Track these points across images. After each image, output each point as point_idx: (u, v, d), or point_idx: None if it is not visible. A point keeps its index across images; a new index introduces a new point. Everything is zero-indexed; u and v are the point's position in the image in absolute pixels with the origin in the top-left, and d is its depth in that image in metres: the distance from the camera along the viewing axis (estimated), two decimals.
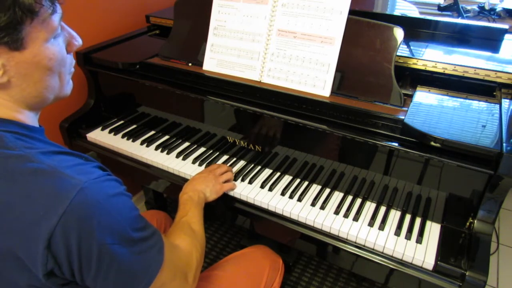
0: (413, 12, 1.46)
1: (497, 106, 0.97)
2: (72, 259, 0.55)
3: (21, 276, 0.57)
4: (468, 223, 0.91)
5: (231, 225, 1.89)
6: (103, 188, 0.58)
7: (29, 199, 0.54)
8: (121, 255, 0.58)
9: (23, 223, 0.54)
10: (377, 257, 0.91)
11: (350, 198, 1.04)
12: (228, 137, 1.18)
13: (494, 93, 1.04)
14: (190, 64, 1.26)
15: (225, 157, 1.21)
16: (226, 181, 1.06)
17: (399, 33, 0.98)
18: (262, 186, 1.08)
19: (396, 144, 0.92)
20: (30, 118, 0.64)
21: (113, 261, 0.58)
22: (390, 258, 0.90)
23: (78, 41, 0.67)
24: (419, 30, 1.30)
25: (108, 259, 0.57)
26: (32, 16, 0.55)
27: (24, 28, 0.55)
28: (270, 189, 1.07)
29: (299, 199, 1.03)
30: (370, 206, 1.02)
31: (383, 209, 1.01)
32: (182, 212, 0.90)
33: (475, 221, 0.88)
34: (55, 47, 0.61)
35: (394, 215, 0.99)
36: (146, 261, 0.62)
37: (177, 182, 1.16)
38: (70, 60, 0.67)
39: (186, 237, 0.80)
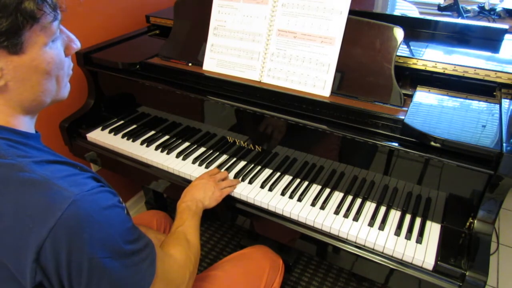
0: (413, 12, 1.46)
1: (497, 106, 0.97)
2: (62, 273, 0.54)
3: (11, 286, 0.56)
4: (468, 223, 0.91)
5: (231, 225, 1.89)
6: (96, 201, 0.57)
7: (19, 210, 0.53)
8: (112, 269, 0.57)
9: (13, 234, 0.53)
10: (377, 257, 0.91)
11: (350, 198, 1.04)
12: (228, 137, 1.18)
13: (494, 93, 1.04)
14: (190, 64, 1.26)
15: (225, 157, 1.21)
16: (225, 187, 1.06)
17: (399, 33, 0.98)
18: (262, 186, 1.08)
19: (396, 144, 0.92)
20: (25, 124, 0.63)
21: (104, 274, 0.56)
22: (390, 258, 0.90)
23: (77, 44, 0.66)
24: (419, 30, 1.30)
25: (99, 273, 0.56)
26: (33, 22, 0.55)
27: (24, 33, 0.54)
28: (270, 189, 1.07)
29: (299, 199, 1.03)
30: (370, 206, 1.02)
31: (383, 209, 1.01)
32: (179, 222, 0.90)
33: (475, 221, 0.88)
34: (53, 51, 0.60)
35: (394, 215, 0.99)
36: (138, 274, 0.61)
37: (177, 182, 1.16)
38: (68, 63, 0.66)
39: (180, 248, 0.80)
